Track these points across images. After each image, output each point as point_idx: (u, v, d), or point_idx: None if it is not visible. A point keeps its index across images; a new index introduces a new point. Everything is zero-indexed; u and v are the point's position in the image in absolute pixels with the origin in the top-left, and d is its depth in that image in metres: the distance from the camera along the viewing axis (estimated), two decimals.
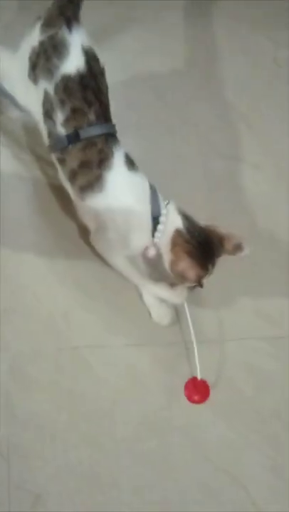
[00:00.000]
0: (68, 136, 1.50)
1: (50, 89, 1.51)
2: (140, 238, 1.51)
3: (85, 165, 1.50)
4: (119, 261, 1.59)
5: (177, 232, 1.46)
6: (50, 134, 1.54)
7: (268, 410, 1.64)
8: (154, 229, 1.48)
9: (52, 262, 1.68)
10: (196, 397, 1.60)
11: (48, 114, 1.52)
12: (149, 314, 1.66)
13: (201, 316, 1.69)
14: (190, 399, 1.60)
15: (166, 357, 1.64)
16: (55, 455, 1.46)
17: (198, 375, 1.60)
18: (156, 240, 1.48)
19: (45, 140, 1.58)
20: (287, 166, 2.09)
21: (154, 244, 1.48)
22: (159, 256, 1.48)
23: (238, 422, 1.61)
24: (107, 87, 1.59)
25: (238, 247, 1.47)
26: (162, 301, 1.63)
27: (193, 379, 1.61)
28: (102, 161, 1.49)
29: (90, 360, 1.58)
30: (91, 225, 1.58)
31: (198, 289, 1.53)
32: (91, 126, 1.50)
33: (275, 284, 1.83)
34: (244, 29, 2.34)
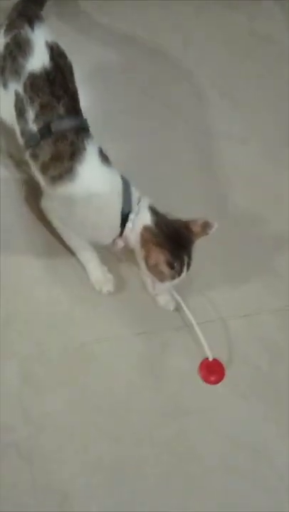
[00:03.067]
0: (40, 131, 1.50)
1: (20, 90, 1.52)
2: (109, 232, 1.54)
3: (56, 158, 1.50)
4: (67, 230, 1.62)
5: (145, 228, 1.49)
6: (23, 133, 1.55)
7: (285, 382, 1.63)
8: (124, 224, 1.51)
9: (49, 262, 1.66)
10: (212, 378, 1.60)
11: (20, 114, 1.53)
12: (154, 301, 1.65)
13: (203, 297, 1.70)
14: (206, 380, 1.59)
15: (175, 342, 1.63)
16: (76, 452, 1.45)
17: (209, 356, 1.59)
18: (125, 234, 1.52)
19: (20, 140, 1.58)
20: (273, 139, 2.08)
21: (123, 238, 1.53)
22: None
23: (255, 397, 1.60)
24: (75, 83, 1.59)
25: (205, 226, 1.51)
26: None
27: (207, 360, 1.60)
28: (74, 153, 1.49)
29: (99, 354, 1.57)
30: (60, 214, 1.59)
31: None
32: (61, 120, 1.50)
33: (267, 259, 1.83)
34: (217, 5, 2.32)
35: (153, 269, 1.51)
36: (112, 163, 1.56)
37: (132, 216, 1.50)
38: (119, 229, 1.52)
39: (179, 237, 1.49)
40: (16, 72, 1.51)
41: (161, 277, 1.51)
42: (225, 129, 2.05)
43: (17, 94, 1.52)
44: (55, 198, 1.55)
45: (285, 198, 1.97)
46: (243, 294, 1.75)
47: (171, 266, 1.47)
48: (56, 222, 1.60)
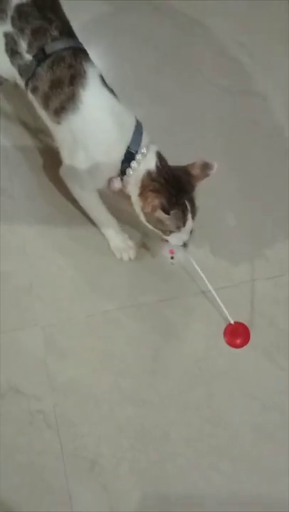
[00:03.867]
0: (35, 57, 1.43)
1: (8, 28, 1.45)
2: (108, 169, 1.47)
3: (56, 84, 1.43)
4: (87, 197, 1.56)
5: (148, 173, 1.44)
6: (20, 68, 1.48)
7: None
8: (128, 164, 1.45)
9: (70, 231, 1.65)
10: (238, 341, 1.57)
11: (13, 53, 1.46)
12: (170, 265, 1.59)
13: (225, 261, 1.68)
14: (232, 344, 1.57)
15: (198, 307, 1.61)
16: (103, 417, 1.46)
17: (230, 320, 1.57)
18: (126, 176, 1.46)
19: (20, 82, 1.52)
20: None
21: (122, 181, 1.47)
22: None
23: (281, 357, 1.57)
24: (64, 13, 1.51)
25: (205, 167, 1.44)
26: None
27: (231, 325, 1.57)
28: (74, 77, 1.42)
29: (122, 321, 1.56)
30: (65, 154, 1.52)
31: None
32: (56, 41, 1.43)
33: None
34: None
35: (151, 220, 1.45)
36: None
37: (138, 157, 1.43)
38: (119, 165, 1.45)
39: (179, 182, 1.42)
40: (2, 11, 1.44)
41: (163, 228, 1.45)
42: (246, 85, 1.99)
43: (6, 35, 1.45)
44: (60, 132, 1.47)
45: None
46: (268, 256, 1.71)
47: (166, 211, 1.40)
48: (76, 190, 1.55)
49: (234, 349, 1.56)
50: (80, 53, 1.46)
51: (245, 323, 1.58)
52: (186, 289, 1.63)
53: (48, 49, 1.42)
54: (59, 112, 1.43)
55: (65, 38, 1.45)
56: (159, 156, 1.46)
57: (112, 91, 1.48)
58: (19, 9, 1.44)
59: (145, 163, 1.44)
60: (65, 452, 1.42)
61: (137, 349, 1.55)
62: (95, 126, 1.43)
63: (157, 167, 1.43)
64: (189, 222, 1.45)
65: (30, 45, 1.44)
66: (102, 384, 1.50)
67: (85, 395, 1.48)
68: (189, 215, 1.44)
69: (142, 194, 1.44)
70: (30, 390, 1.46)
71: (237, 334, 1.57)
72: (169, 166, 1.46)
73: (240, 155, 1.86)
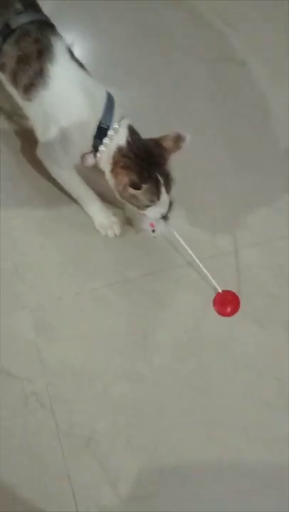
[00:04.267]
0: (1, 33, 1.40)
1: None
2: (80, 144, 1.45)
3: (23, 60, 1.40)
4: (65, 175, 1.54)
5: (118, 149, 1.41)
6: None
7: None
8: (100, 139, 1.42)
9: (51, 211, 1.63)
10: (228, 309, 1.57)
11: None
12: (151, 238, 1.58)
13: (209, 232, 1.67)
14: (222, 312, 1.56)
15: (184, 278, 1.60)
16: (97, 395, 1.46)
17: (218, 289, 1.56)
18: (99, 152, 1.44)
19: None
20: (274, 57, 1.97)
21: (96, 157, 1.45)
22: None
23: (272, 323, 1.57)
24: None
25: (177, 139, 1.41)
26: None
27: (220, 293, 1.57)
28: (41, 52, 1.39)
29: (110, 297, 1.56)
30: (39, 132, 1.49)
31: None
32: (20, 14, 1.40)
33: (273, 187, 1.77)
34: None
35: (125, 195, 1.44)
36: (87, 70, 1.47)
37: (110, 132, 1.41)
38: (91, 141, 1.43)
39: (151, 155, 1.40)
40: None
41: (137, 203, 1.43)
42: (222, 53, 1.96)
43: None
44: (32, 109, 1.45)
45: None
46: (250, 224, 1.70)
47: (136, 186, 1.38)
48: (53, 169, 1.54)
49: (224, 318, 1.56)
50: (46, 27, 1.43)
51: (233, 291, 1.58)
52: (172, 261, 1.62)
53: (13, 23, 1.39)
54: (28, 88, 1.40)
55: (30, 12, 1.42)
56: (131, 131, 1.43)
57: (81, 65, 1.46)
58: None
59: (117, 138, 1.41)
60: (61, 431, 1.41)
61: (126, 325, 1.54)
62: (66, 101, 1.41)
63: (128, 142, 1.41)
64: (164, 196, 1.42)
65: None
66: (95, 362, 1.49)
67: (77, 374, 1.47)
68: (163, 188, 1.41)
69: (114, 170, 1.42)
70: (23, 373, 1.46)
71: (226, 302, 1.57)
72: (141, 140, 1.43)
73: (222, 123, 1.83)
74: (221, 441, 1.45)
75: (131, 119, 1.46)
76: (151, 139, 1.42)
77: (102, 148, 1.42)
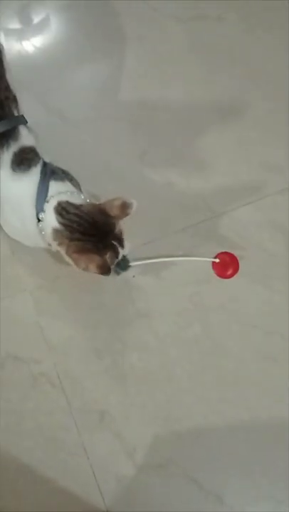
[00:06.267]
0: None
1: None
2: (34, 237, 1.37)
3: None
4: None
5: (55, 231, 1.30)
6: None
7: None
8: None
9: None
10: (228, 272, 1.56)
11: None
12: None
13: (201, 194, 1.64)
14: (223, 275, 1.55)
15: (182, 244, 1.58)
16: (105, 368, 1.46)
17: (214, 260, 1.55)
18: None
19: None
20: (250, 9, 1.91)
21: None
22: None
23: (275, 281, 1.56)
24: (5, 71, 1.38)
25: (124, 206, 1.27)
26: None
27: (219, 255, 1.56)
28: None
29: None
30: None
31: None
32: None
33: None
34: None
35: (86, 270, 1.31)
36: (36, 159, 1.35)
37: (40, 216, 1.31)
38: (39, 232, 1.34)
39: (98, 227, 1.28)
40: None
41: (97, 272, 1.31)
42: (197, 10, 1.90)
43: None
44: None
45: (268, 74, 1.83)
46: (245, 183, 1.67)
47: (103, 270, 1.27)
48: None
49: (225, 282, 1.55)
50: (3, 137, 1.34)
51: (231, 253, 1.56)
52: (166, 229, 1.60)
53: None
54: None
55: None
56: (61, 209, 1.30)
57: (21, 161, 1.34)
58: None
59: (48, 223, 1.30)
60: (74, 408, 1.43)
61: (127, 295, 1.53)
62: (9, 205, 1.36)
63: (62, 223, 1.29)
64: (121, 254, 1.33)
65: None
66: (100, 336, 1.49)
67: (84, 350, 1.48)
68: (120, 249, 1.31)
69: (67, 254, 1.30)
70: (29, 355, 1.46)
71: (226, 264, 1.55)
72: (83, 212, 1.29)
73: (204, 82, 1.79)
74: (231, 401, 1.46)
75: (65, 195, 1.32)
76: (94, 207, 1.30)
77: (42, 232, 1.33)
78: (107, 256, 1.27)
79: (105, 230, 1.28)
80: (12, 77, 1.37)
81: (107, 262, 1.27)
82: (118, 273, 1.42)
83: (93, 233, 1.28)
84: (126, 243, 1.32)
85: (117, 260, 1.31)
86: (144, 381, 1.46)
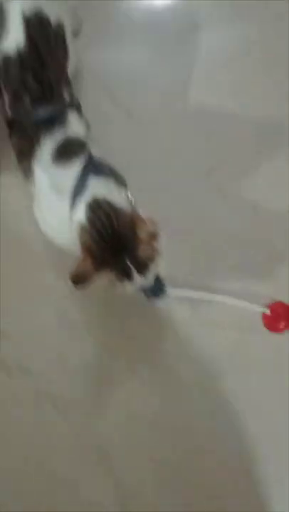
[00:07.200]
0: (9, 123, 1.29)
1: None
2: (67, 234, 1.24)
3: (19, 154, 1.28)
4: None
5: (81, 227, 1.17)
6: None
7: None
8: None
9: None
10: (281, 326, 1.36)
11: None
12: None
13: None
14: (273, 328, 1.36)
15: (234, 282, 1.39)
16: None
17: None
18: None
19: None
20: None
21: None
22: None
23: None
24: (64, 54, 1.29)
25: (152, 236, 1.14)
26: None
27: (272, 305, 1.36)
28: (32, 151, 1.25)
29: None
30: None
31: None
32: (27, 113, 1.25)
33: None
34: None
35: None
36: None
37: (74, 212, 1.20)
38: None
39: (117, 241, 1.15)
40: None
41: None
42: None
43: None
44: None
45: None
46: None
47: (74, 277, 1.13)
48: None
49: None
50: (44, 126, 1.26)
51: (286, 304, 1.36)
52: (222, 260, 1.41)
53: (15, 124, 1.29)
54: (24, 177, 1.30)
55: (37, 107, 1.26)
56: (92, 204, 1.19)
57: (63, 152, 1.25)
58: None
59: (77, 217, 1.19)
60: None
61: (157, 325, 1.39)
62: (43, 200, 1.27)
63: (91, 220, 1.17)
64: (138, 280, 1.18)
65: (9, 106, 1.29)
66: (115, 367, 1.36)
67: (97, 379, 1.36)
68: (135, 275, 1.16)
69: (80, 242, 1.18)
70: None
71: (278, 317, 1.35)
72: (114, 216, 1.17)
73: None
74: None
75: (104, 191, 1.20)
76: (127, 217, 1.17)
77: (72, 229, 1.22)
78: (108, 273, 1.14)
79: (123, 245, 1.14)
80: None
81: (90, 272, 1.13)
82: (149, 297, 1.27)
83: (109, 245, 1.15)
84: (151, 272, 1.17)
85: (121, 280, 1.16)
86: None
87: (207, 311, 1.38)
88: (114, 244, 1.15)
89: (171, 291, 1.31)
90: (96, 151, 1.27)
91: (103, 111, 1.50)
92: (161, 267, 1.26)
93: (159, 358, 1.37)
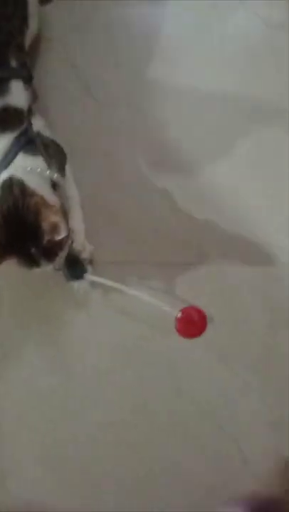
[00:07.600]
0: None
1: None
2: None
3: None
4: None
5: None
6: None
7: None
8: None
9: None
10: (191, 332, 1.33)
11: None
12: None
13: None
14: (183, 333, 1.32)
15: (161, 280, 1.37)
16: None
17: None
18: None
19: None
20: None
21: None
22: None
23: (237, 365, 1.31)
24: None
25: (53, 227, 1.09)
26: None
27: (186, 309, 1.32)
28: None
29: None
30: None
31: None
32: None
33: None
34: None
35: None
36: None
37: None
38: None
39: (22, 224, 1.12)
40: None
41: None
42: None
43: None
44: None
45: None
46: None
47: None
48: None
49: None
50: None
51: (202, 310, 1.32)
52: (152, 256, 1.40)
53: None
54: None
55: None
56: (7, 185, 1.16)
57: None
58: None
59: None
60: None
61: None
62: None
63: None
64: (45, 266, 1.16)
65: None
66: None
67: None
68: (42, 261, 1.14)
69: None
70: None
71: (189, 322, 1.31)
72: (21, 202, 1.14)
73: None
74: None
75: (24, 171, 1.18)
76: (32, 204, 1.13)
77: None
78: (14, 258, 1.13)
79: (27, 232, 1.12)
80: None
81: None
82: (68, 279, 1.30)
83: (15, 228, 1.12)
84: (60, 258, 1.17)
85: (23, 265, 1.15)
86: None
87: (123, 300, 1.36)
88: (19, 230, 1.12)
89: (90, 277, 1.31)
90: (39, 124, 1.25)
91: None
92: (86, 251, 1.30)
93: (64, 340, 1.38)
